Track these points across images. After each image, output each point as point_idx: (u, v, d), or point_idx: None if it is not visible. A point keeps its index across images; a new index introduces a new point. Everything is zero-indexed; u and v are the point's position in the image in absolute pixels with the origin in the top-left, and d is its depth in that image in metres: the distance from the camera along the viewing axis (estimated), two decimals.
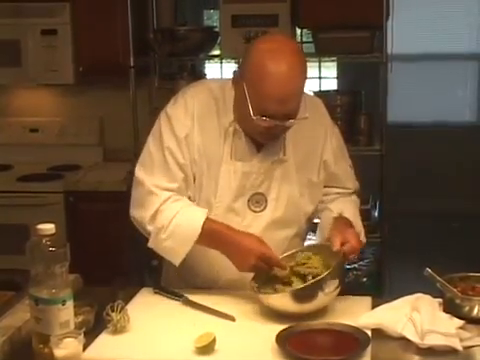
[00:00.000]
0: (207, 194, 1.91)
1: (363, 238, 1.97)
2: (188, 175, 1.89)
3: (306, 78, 1.82)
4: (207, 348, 1.58)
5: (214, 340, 1.60)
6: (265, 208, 1.94)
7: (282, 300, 1.74)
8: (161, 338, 1.68)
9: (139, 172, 1.92)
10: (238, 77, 1.84)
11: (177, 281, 2.01)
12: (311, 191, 1.99)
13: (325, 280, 1.73)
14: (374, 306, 1.79)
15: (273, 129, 1.80)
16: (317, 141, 1.99)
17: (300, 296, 1.72)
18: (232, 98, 1.89)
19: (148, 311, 1.83)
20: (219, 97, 1.90)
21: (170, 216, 1.85)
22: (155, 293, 1.94)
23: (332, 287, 1.75)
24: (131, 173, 1.98)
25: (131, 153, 3.06)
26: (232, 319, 1.77)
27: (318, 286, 1.73)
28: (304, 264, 1.84)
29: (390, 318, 1.69)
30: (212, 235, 1.84)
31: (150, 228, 1.87)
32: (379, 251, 3.38)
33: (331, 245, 1.83)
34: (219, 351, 1.59)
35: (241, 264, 1.81)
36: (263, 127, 1.80)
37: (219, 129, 1.89)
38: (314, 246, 1.95)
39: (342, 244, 1.81)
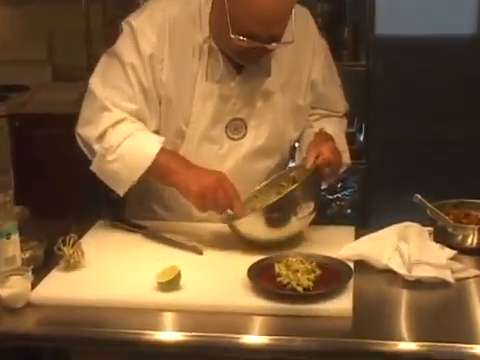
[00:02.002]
0: (177, 121, 1.88)
1: (347, 159, 1.98)
2: (151, 100, 1.86)
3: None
4: (171, 284, 1.58)
5: (179, 275, 1.60)
6: (245, 136, 1.93)
7: (252, 225, 1.74)
8: (119, 274, 1.68)
9: (93, 83, 1.87)
10: None
11: (143, 216, 1.99)
12: (297, 116, 1.99)
13: (297, 200, 1.73)
14: (358, 236, 1.81)
15: (252, 51, 1.77)
16: (304, 59, 1.96)
17: (271, 219, 1.73)
18: (208, 10, 1.84)
19: (105, 245, 1.83)
20: (193, 9, 1.85)
21: (121, 137, 1.81)
22: (113, 225, 1.94)
23: (306, 211, 1.76)
24: (84, 94, 1.93)
25: (84, 71, 3.01)
26: (199, 252, 1.77)
27: (290, 208, 1.73)
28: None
29: (375, 249, 1.70)
30: (164, 168, 1.80)
31: (96, 147, 1.83)
32: (364, 179, 3.41)
33: (304, 163, 1.82)
34: (185, 287, 1.60)
35: (198, 205, 1.76)
36: (242, 48, 1.76)
37: (192, 46, 1.85)
38: (291, 168, 1.96)
39: (316, 158, 1.80)
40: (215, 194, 1.73)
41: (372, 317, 1.51)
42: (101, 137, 1.82)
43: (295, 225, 1.76)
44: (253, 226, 1.75)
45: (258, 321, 1.51)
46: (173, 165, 1.80)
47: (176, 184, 1.79)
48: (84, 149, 1.88)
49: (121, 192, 1.85)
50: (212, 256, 1.76)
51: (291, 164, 2.15)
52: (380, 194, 3.36)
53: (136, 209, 2.05)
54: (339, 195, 3.44)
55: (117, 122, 1.83)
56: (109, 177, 1.85)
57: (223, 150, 1.92)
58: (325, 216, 3.11)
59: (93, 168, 1.87)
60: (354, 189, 3.53)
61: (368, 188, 3.40)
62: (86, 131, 1.86)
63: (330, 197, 3.45)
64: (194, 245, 1.79)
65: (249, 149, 1.94)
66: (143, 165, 1.80)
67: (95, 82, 1.86)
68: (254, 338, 1.47)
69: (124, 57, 1.83)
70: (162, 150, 1.81)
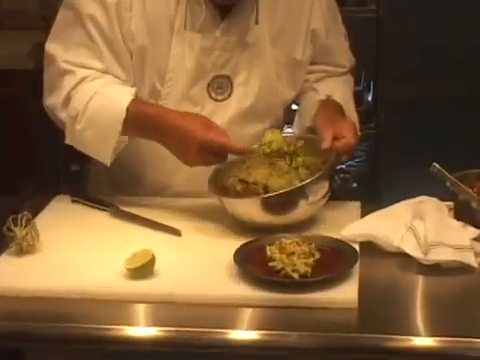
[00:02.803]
0: (151, 79, 1.89)
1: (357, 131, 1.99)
2: (121, 54, 1.86)
3: None
4: (143, 270, 1.59)
5: (152, 260, 1.60)
6: (230, 95, 1.94)
7: (252, 207, 1.74)
8: (81, 260, 1.69)
9: (50, 46, 1.89)
10: None
11: (110, 191, 2.01)
12: (293, 72, 2.00)
13: (311, 186, 1.74)
14: (364, 214, 1.82)
15: None
16: (302, 5, 1.96)
17: (277, 204, 1.73)
18: None
19: (64, 225, 1.84)
20: None
21: (86, 98, 1.82)
22: (73, 202, 1.95)
23: (319, 195, 1.77)
24: (40, 45, 1.94)
25: (37, 17, 2.99)
26: (177, 233, 1.78)
27: (302, 193, 1.74)
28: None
29: (385, 228, 1.71)
30: (141, 119, 1.81)
31: (63, 116, 1.86)
32: (373, 147, 3.42)
33: (318, 139, 1.84)
34: (159, 274, 1.60)
35: (185, 155, 1.79)
36: None
37: None
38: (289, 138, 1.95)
39: (333, 139, 1.82)
40: (202, 139, 1.74)
41: (381, 308, 1.52)
42: (65, 104, 1.84)
43: (303, 211, 1.76)
44: (251, 208, 1.75)
45: (247, 313, 1.52)
46: (147, 117, 1.81)
47: (156, 135, 1.80)
48: (54, 120, 1.90)
49: (106, 162, 1.86)
50: (192, 237, 1.77)
51: (288, 129, 2.16)
52: (391, 164, 3.36)
53: (101, 182, 2.05)
54: (343, 166, 3.44)
55: (80, 81, 1.83)
56: (86, 148, 1.88)
57: (204, 113, 1.92)
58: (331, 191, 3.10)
59: (68, 141, 1.89)
60: (361, 158, 3.53)
61: (377, 157, 3.42)
62: (50, 101, 1.88)
63: None
64: (171, 225, 1.79)
65: (235, 111, 1.95)
66: (115, 126, 1.80)
67: (52, 44, 1.88)
68: (242, 333, 1.47)
69: (83, 9, 1.84)
70: (132, 102, 1.81)
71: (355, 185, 3.51)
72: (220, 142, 1.75)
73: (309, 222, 1.80)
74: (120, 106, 1.80)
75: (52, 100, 1.87)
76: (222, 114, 1.94)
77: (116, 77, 1.87)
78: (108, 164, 1.86)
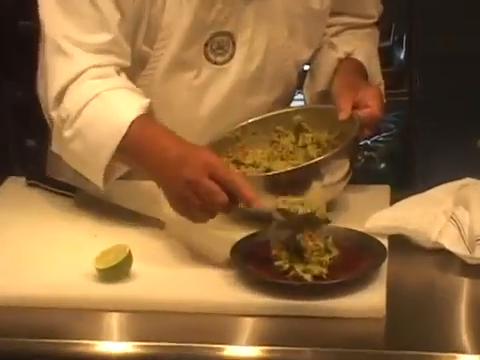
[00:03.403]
0: (138, 40, 1.90)
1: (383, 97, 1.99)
2: (128, 18, 1.84)
3: None
4: (117, 271, 1.59)
5: (129, 258, 1.60)
6: (232, 57, 1.95)
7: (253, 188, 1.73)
8: (40, 258, 1.69)
9: (43, 12, 1.86)
10: None
11: (75, 172, 1.96)
12: (309, 27, 2.01)
13: (327, 164, 1.75)
14: (394, 200, 1.83)
15: None
16: None
17: (283, 187, 1.72)
18: None
19: (17, 214, 1.85)
20: None
21: (83, 100, 1.78)
22: (29, 185, 1.97)
23: (336, 176, 1.78)
24: None
25: None
26: (160, 225, 1.79)
27: (315, 172, 1.74)
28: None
29: (419, 218, 1.71)
30: (140, 143, 1.73)
31: (53, 115, 1.83)
32: (405, 118, 3.41)
33: (334, 109, 1.85)
34: (137, 276, 1.61)
35: (175, 197, 1.67)
36: None
37: None
38: (304, 110, 1.97)
39: (353, 108, 1.83)
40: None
41: (415, 319, 1.52)
42: (58, 99, 1.81)
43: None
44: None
45: (247, 324, 1.52)
46: (147, 140, 1.74)
47: (149, 165, 1.74)
48: (48, 122, 1.88)
49: (99, 184, 1.81)
50: (178, 230, 1.77)
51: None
52: (428, 138, 3.36)
53: (64, 161, 2.04)
54: (368, 142, 3.44)
55: (79, 74, 1.80)
56: (74, 163, 1.85)
57: (200, 79, 1.94)
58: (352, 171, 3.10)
59: (54, 149, 1.87)
60: (391, 132, 3.52)
61: (410, 130, 3.42)
62: (41, 89, 1.87)
63: None
64: (151, 214, 1.80)
65: (238, 76, 1.96)
66: (109, 142, 1.75)
67: (46, 10, 1.85)
68: (241, 349, 1.47)
69: None
70: (138, 119, 1.75)
71: (383, 165, 3.50)
72: (229, 174, 1.64)
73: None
74: (122, 119, 1.74)
75: (42, 90, 1.87)
76: (222, 80, 1.95)
77: (122, 51, 1.85)
78: (102, 188, 1.81)
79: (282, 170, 1.75)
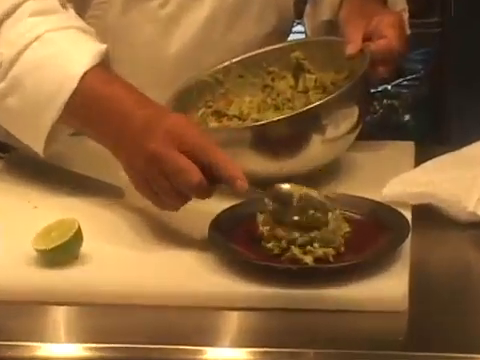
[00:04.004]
0: None
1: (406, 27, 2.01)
2: None
3: None
4: (63, 252, 1.59)
5: (78, 236, 1.60)
6: None
7: (236, 146, 1.75)
8: None
9: None
10: None
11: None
12: None
13: (328, 110, 1.75)
14: (420, 161, 1.85)
15: None
16: None
17: (276, 141, 1.74)
18: None
19: None
20: None
21: (19, 44, 1.78)
22: None
23: (343, 127, 1.78)
24: None
25: None
26: (118, 195, 1.80)
27: (313, 121, 1.75)
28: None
29: (451, 183, 1.72)
30: (94, 103, 1.74)
31: None
32: (435, 55, 3.42)
33: (342, 42, 1.87)
34: (90, 259, 1.61)
35: (137, 177, 1.67)
36: None
37: None
38: (304, 44, 1.98)
39: (365, 40, 1.84)
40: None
41: (443, 312, 1.52)
42: None
43: (320, 153, 1.77)
44: (234, 147, 1.74)
45: (232, 320, 1.53)
46: (102, 99, 1.74)
47: (103, 131, 1.74)
48: None
49: (38, 150, 1.81)
50: (141, 200, 1.74)
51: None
52: (464, 83, 3.37)
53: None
54: (388, 86, 3.45)
55: (14, 7, 1.79)
56: (7, 123, 1.85)
57: (168, 8, 1.95)
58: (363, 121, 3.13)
59: None
60: (417, 75, 3.54)
61: (443, 72, 3.42)
62: None
63: (372, 91, 3.47)
64: (107, 180, 1.82)
65: (216, 3, 1.98)
66: (56, 100, 1.75)
67: None
68: (225, 352, 1.46)
69: None
70: (95, 71, 1.75)
71: (407, 118, 3.52)
72: (204, 143, 1.63)
73: (330, 173, 1.82)
74: (72, 70, 1.74)
75: None
76: (195, 10, 1.98)
77: None
78: (42, 154, 1.82)
79: (268, 120, 1.76)
